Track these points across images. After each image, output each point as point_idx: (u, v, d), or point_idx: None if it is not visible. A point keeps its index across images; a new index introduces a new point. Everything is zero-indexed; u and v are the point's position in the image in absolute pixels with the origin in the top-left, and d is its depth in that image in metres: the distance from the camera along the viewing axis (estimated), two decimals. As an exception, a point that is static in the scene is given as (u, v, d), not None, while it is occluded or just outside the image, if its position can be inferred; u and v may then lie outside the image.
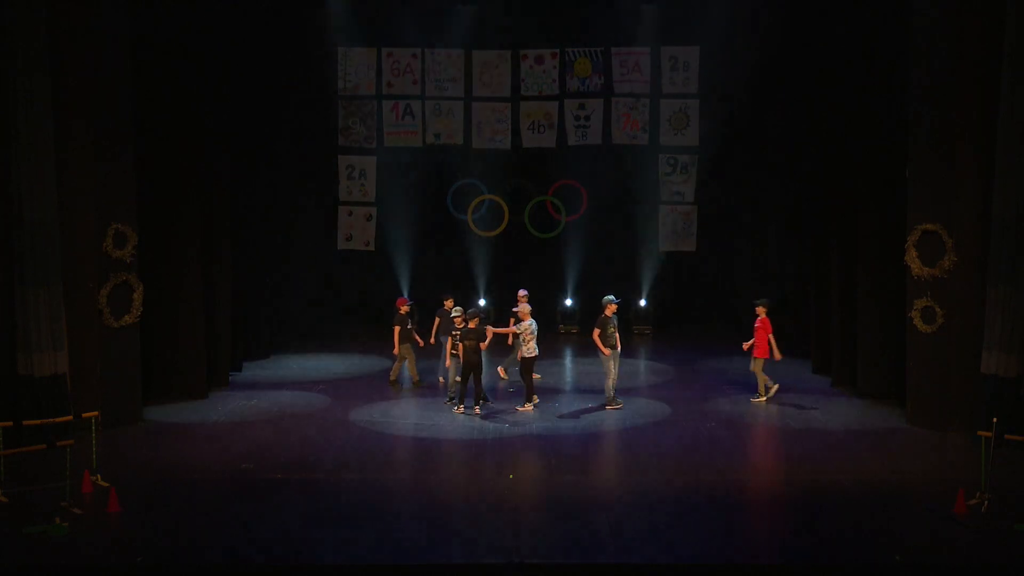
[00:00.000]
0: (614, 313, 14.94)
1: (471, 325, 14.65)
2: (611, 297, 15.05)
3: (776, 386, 15.38)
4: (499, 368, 16.94)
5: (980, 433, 10.76)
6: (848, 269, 16.16)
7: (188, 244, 15.50)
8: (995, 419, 10.87)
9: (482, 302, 21.51)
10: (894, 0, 14.64)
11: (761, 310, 15.38)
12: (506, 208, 22.78)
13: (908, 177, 13.95)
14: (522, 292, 15.95)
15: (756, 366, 15.38)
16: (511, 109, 22.22)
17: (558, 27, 21.92)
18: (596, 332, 14.78)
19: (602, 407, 14.97)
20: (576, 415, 14.76)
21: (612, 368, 14.85)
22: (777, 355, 15.25)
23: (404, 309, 16.39)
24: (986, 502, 10.49)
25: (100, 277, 13.60)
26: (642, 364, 18.08)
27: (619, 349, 14.85)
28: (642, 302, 21.90)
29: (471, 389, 14.63)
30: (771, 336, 15.22)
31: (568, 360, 19.07)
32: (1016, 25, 12.42)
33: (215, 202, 16.35)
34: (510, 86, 22.15)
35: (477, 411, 14.62)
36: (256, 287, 18.81)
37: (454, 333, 14.88)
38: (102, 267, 13.62)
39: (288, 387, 16.53)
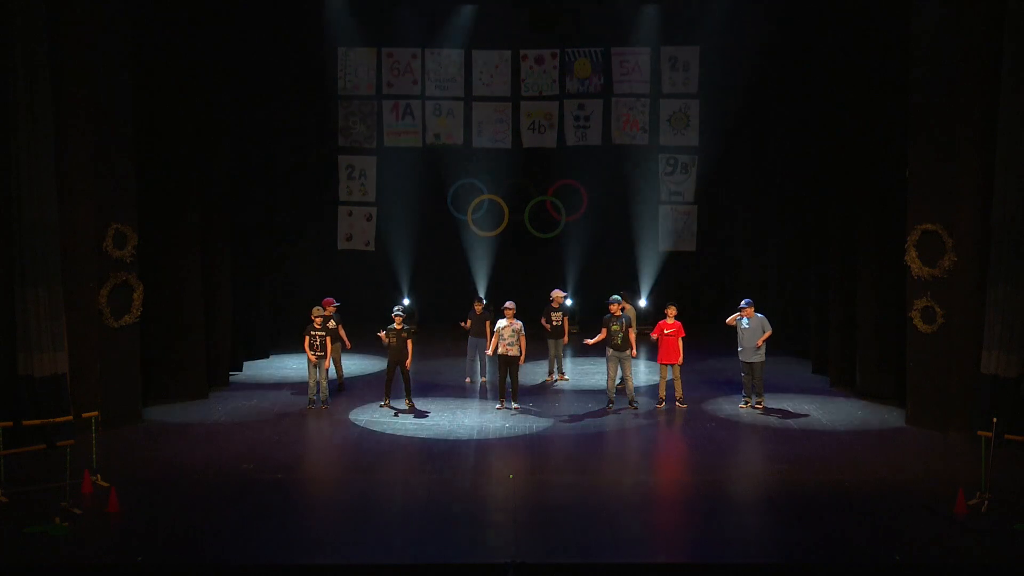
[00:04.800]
0: (621, 313, 15.01)
1: (396, 325, 14.84)
2: (616, 297, 15.20)
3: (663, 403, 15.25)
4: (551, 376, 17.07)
5: (980, 433, 10.76)
6: (848, 269, 16.17)
7: (188, 244, 15.50)
8: (995, 419, 10.88)
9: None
10: (894, 1, 14.65)
11: (671, 311, 15.09)
12: (506, 208, 22.80)
13: (908, 177, 13.96)
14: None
15: (675, 372, 15.06)
16: (511, 109, 22.23)
17: (558, 27, 21.92)
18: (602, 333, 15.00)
19: (604, 409, 15.04)
20: (578, 415, 14.78)
21: (611, 369, 14.92)
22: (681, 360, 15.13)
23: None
24: (986, 502, 10.49)
25: (100, 277, 13.61)
26: (642, 364, 18.08)
27: (624, 350, 14.90)
28: (642, 302, 21.91)
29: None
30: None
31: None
32: (1016, 25, 12.43)
33: (215, 202, 16.35)
34: (510, 86, 22.17)
35: (408, 403, 14.97)
36: (256, 287, 18.81)
37: (312, 333, 14.94)
38: (102, 267, 13.62)
39: (288, 387, 16.53)
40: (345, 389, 16.22)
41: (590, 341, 15.25)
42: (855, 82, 15.83)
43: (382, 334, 14.91)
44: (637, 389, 15.27)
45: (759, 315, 14.86)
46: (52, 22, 12.92)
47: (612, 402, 15.03)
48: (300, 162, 21.74)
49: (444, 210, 22.76)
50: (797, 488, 11.42)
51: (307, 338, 14.94)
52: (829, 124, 16.96)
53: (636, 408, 14.90)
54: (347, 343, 15.97)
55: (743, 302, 14.98)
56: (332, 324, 15.38)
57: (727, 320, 15.18)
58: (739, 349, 14.94)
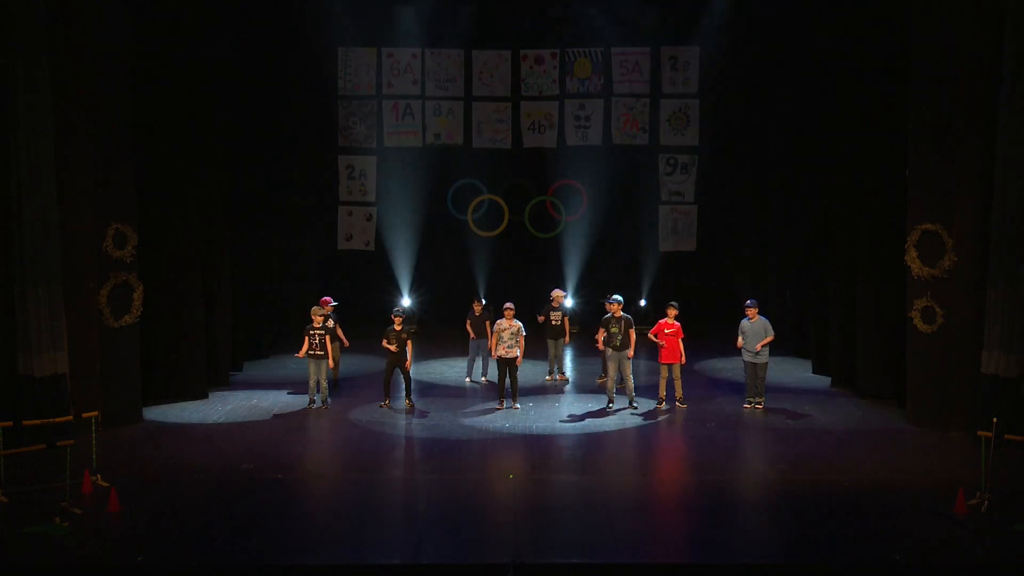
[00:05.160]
0: (621, 313, 15.02)
1: (395, 326, 14.88)
2: (616, 297, 15.16)
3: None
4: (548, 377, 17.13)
5: (980, 433, 10.76)
6: (848, 269, 16.16)
7: (188, 244, 15.49)
8: (995, 419, 10.87)
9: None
10: (895, 0, 14.65)
11: (672, 312, 15.08)
12: (506, 208, 22.79)
13: (908, 177, 13.96)
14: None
15: (676, 372, 15.08)
16: (511, 109, 22.23)
17: (558, 27, 21.93)
18: (600, 333, 15.09)
19: (604, 409, 15.04)
20: (578, 415, 14.78)
21: (611, 369, 14.93)
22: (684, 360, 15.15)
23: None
24: (986, 502, 10.49)
25: (100, 277, 13.60)
26: (642, 364, 18.07)
27: (623, 350, 14.90)
28: (642, 302, 21.90)
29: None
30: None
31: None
32: (1016, 25, 12.43)
33: (215, 202, 16.37)
34: (510, 86, 22.17)
35: (408, 403, 14.99)
36: (256, 287, 18.79)
37: (312, 332, 15.01)
38: (102, 267, 13.62)
39: (288, 387, 16.53)
40: (338, 388, 16.22)
41: (601, 347, 15.20)
42: (855, 82, 15.82)
43: (393, 347, 14.87)
44: (637, 389, 15.27)
45: (762, 318, 14.87)
46: (52, 22, 12.92)
47: (612, 402, 15.04)
48: (300, 162, 21.74)
49: (444, 210, 22.76)
50: (797, 488, 11.42)
51: (307, 338, 14.96)
52: (829, 124, 16.95)
53: (636, 408, 14.91)
54: (345, 342, 15.98)
55: (748, 301, 14.99)
56: (331, 323, 15.40)
57: (737, 344, 15.06)
58: (743, 348, 14.96)
